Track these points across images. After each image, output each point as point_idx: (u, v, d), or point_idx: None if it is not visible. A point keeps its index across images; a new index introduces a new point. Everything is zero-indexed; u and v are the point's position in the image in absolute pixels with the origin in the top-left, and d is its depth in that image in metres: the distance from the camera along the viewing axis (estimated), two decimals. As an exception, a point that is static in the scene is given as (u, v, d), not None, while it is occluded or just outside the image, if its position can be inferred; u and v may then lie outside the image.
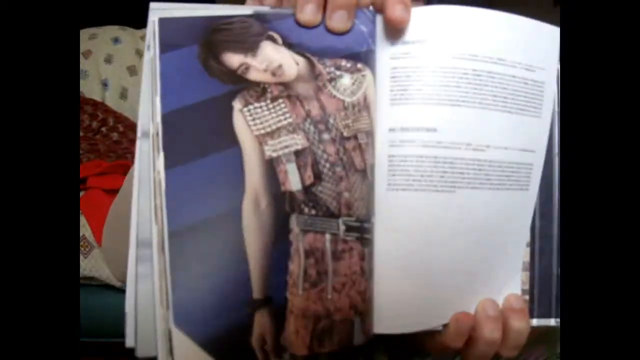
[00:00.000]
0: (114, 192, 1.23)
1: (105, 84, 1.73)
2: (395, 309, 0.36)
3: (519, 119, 0.36)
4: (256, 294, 0.33)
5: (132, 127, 1.66)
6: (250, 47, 0.33)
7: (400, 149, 0.35)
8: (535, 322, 0.37)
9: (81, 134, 1.54)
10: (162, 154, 0.32)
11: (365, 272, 0.35)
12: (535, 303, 0.38)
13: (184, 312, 0.31)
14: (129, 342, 0.31)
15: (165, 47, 0.32)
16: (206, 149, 0.32)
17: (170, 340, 0.31)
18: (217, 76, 0.33)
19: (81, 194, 1.22)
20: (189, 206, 0.32)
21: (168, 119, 0.32)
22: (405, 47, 0.35)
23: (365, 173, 0.35)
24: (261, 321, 0.33)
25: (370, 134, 0.35)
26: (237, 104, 0.33)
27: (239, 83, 0.33)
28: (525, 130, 0.37)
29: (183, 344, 0.31)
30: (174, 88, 0.32)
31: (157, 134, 0.32)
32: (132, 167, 0.46)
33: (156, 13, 0.32)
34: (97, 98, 1.70)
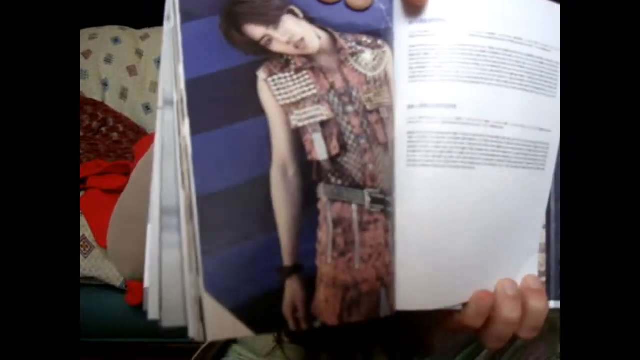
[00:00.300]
0: (114, 192, 1.23)
1: (105, 84, 1.74)
2: (414, 285, 0.36)
3: (535, 98, 0.36)
4: (287, 261, 0.33)
5: (132, 127, 1.66)
6: (271, 20, 0.33)
7: (419, 125, 0.35)
8: (552, 304, 0.37)
9: (81, 134, 1.54)
10: (187, 120, 0.31)
11: (389, 245, 0.35)
12: (552, 285, 0.37)
13: (215, 278, 0.31)
14: (152, 314, 0.31)
15: (186, 16, 0.32)
16: (232, 117, 0.32)
17: (201, 306, 0.31)
18: (240, 46, 0.33)
19: (81, 194, 1.22)
20: (216, 172, 0.32)
21: (192, 86, 0.32)
22: (423, 25, 0.36)
23: (387, 147, 0.35)
24: (292, 288, 0.33)
25: (391, 109, 0.35)
26: (261, 74, 0.33)
27: (262, 54, 0.33)
28: (541, 110, 0.37)
29: (214, 310, 0.31)
30: (197, 56, 0.32)
31: (182, 100, 0.31)
32: (139, 162, 0.46)
33: None
34: (97, 98, 1.70)
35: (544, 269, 0.38)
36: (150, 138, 1.62)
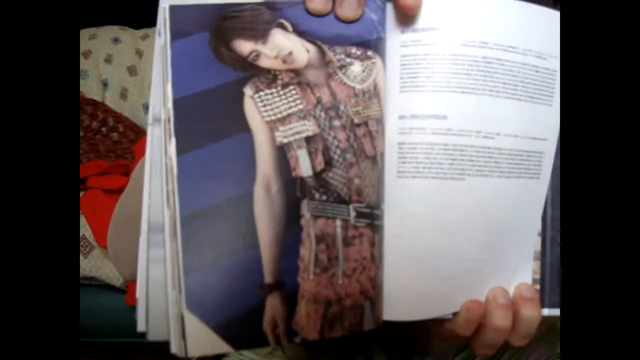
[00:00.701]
0: (114, 192, 1.23)
1: (105, 84, 1.74)
2: (404, 296, 0.36)
3: (529, 107, 0.36)
4: (268, 278, 0.33)
5: (132, 127, 1.66)
6: (260, 34, 0.34)
7: (410, 137, 0.35)
8: (546, 311, 0.37)
9: (81, 134, 1.54)
10: (173, 140, 0.32)
11: (376, 259, 0.35)
12: (546, 293, 0.37)
13: (197, 296, 0.31)
14: (140, 326, 0.32)
15: (176, 34, 0.32)
16: (217, 134, 0.33)
17: (182, 324, 0.31)
18: (228, 63, 0.33)
19: (81, 194, 1.22)
20: (200, 191, 0.32)
21: (179, 105, 0.32)
22: (415, 34, 0.35)
23: (376, 160, 0.35)
24: (273, 305, 0.33)
25: (380, 121, 0.35)
26: (248, 91, 0.33)
27: (250, 70, 0.33)
28: (536, 118, 0.37)
29: (196, 327, 0.31)
30: (185, 74, 0.32)
31: (169, 119, 0.32)
32: (139, 162, 0.46)
33: (166, 0, 0.32)
34: (97, 98, 1.70)
35: (538, 276, 0.37)
36: (150, 138, 1.62)
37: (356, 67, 0.35)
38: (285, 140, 0.33)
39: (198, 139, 0.32)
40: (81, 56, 1.71)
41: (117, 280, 1.20)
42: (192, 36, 0.33)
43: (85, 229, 1.17)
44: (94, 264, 1.19)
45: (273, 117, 0.33)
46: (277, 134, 0.33)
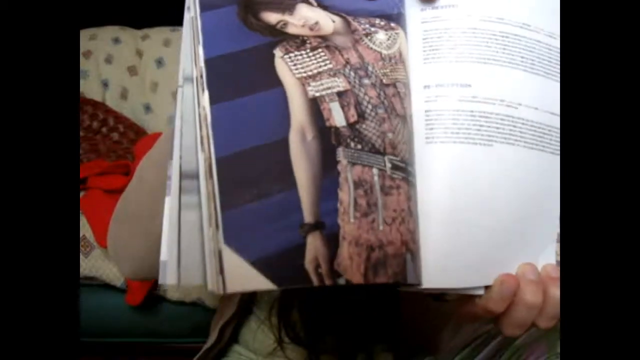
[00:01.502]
0: (114, 192, 1.23)
1: (105, 84, 1.73)
2: (437, 263, 0.36)
3: (545, 82, 0.37)
4: (308, 217, 0.33)
5: (132, 127, 1.66)
6: (286, 7, 0.35)
7: (436, 104, 0.36)
8: None
9: (81, 134, 1.54)
10: (207, 92, 0.33)
11: (413, 213, 0.35)
12: None
13: (234, 232, 0.32)
14: (170, 278, 0.31)
15: (205, 6, 0.34)
16: (250, 88, 0.34)
17: (220, 259, 0.31)
18: (257, 30, 0.35)
19: (81, 194, 1.22)
20: (235, 136, 0.33)
21: (211, 63, 0.33)
22: (434, 11, 0.37)
23: (406, 120, 0.36)
24: (314, 244, 0.33)
25: (407, 85, 0.36)
26: (278, 52, 0.35)
27: (279, 35, 0.35)
28: (552, 94, 0.37)
29: (234, 262, 0.31)
30: (216, 38, 0.34)
31: (202, 75, 0.33)
32: (143, 159, 0.46)
33: None
34: (97, 98, 1.70)
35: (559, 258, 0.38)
36: (150, 138, 1.62)
37: (381, 35, 0.36)
38: (318, 94, 0.35)
39: (231, 92, 0.33)
40: (81, 56, 1.71)
41: (117, 280, 1.20)
42: (221, 9, 0.34)
43: (85, 229, 1.17)
44: (94, 264, 1.19)
45: (304, 74, 0.35)
46: (309, 88, 0.35)
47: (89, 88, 1.70)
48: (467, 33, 0.36)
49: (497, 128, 0.36)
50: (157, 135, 1.66)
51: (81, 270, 1.18)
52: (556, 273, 0.36)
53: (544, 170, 0.37)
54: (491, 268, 0.36)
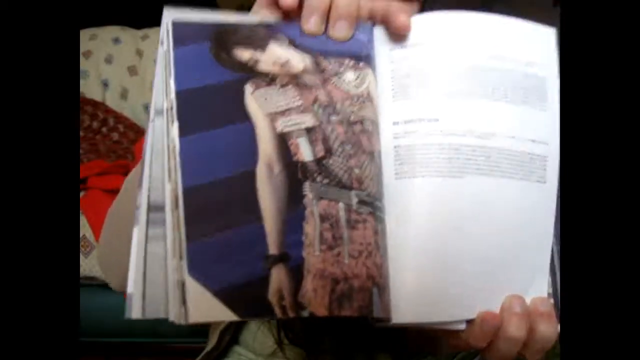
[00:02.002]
0: (114, 192, 1.23)
1: (105, 84, 1.73)
2: (413, 298, 0.35)
3: (523, 110, 0.37)
4: (272, 249, 0.33)
5: (132, 127, 1.66)
6: (258, 45, 0.36)
7: (405, 140, 0.36)
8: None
9: (81, 134, 1.54)
10: (176, 123, 0.33)
11: (380, 248, 0.35)
12: (559, 308, 0.37)
13: (198, 262, 0.32)
14: (135, 312, 0.31)
15: (178, 42, 0.34)
16: (220, 121, 0.34)
17: (183, 290, 0.31)
18: (229, 66, 0.35)
19: (81, 194, 1.22)
20: (203, 167, 0.33)
21: (182, 95, 0.33)
22: (403, 50, 0.37)
23: (374, 156, 0.36)
24: (278, 276, 0.33)
25: (375, 123, 0.37)
26: (248, 88, 0.35)
27: (250, 72, 0.35)
28: (533, 122, 0.37)
29: (197, 293, 0.31)
30: (187, 71, 0.34)
31: (172, 107, 0.33)
32: (131, 172, 0.46)
33: (169, 16, 0.34)
34: (97, 98, 1.70)
35: (552, 291, 0.37)
36: (151, 138, 1.62)
37: (350, 75, 0.37)
38: (286, 130, 0.35)
39: (200, 125, 0.33)
40: (81, 56, 1.71)
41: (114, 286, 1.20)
42: (194, 44, 0.34)
43: (85, 229, 1.17)
44: (94, 264, 1.19)
45: (273, 110, 0.35)
46: (277, 123, 0.35)
47: (89, 88, 1.70)
48: (435, 69, 0.37)
49: (469, 160, 0.36)
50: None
51: (81, 270, 1.18)
52: (545, 307, 0.36)
53: (528, 199, 0.37)
54: (473, 301, 0.36)
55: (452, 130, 0.36)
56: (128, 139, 1.59)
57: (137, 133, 1.65)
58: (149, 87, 1.78)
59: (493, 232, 0.36)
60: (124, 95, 1.75)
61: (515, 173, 0.36)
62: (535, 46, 0.38)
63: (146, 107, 1.74)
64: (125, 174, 1.29)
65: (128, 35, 1.77)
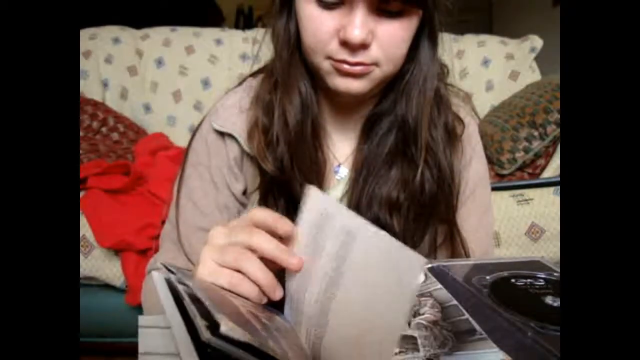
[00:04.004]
0: (114, 192, 1.23)
1: (105, 84, 1.74)
2: None
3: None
4: None
5: (132, 127, 1.66)
6: None
7: None
8: None
9: (81, 134, 1.54)
10: None
11: None
12: None
13: None
14: None
15: None
16: None
17: None
18: None
19: (81, 194, 1.22)
20: None
21: None
22: None
23: None
24: None
25: None
26: None
27: None
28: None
29: None
30: None
31: None
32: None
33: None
34: (97, 98, 1.70)
35: None
36: (150, 138, 1.62)
37: None
38: None
39: None
40: (81, 56, 1.71)
41: (117, 280, 1.20)
42: None
43: (85, 229, 1.17)
44: (94, 264, 1.19)
45: None
46: None
47: (89, 88, 1.70)
48: None
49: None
50: (157, 135, 1.66)
51: (81, 270, 1.18)
52: None
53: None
54: None
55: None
56: (128, 139, 1.59)
57: (136, 133, 1.65)
58: (149, 87, 1.78)
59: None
60: (123, 95, 1.75)
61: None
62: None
63: (146, 107, 1.74)
64: (125, 173, 1.30)
65: (128, 35, 1.77)
